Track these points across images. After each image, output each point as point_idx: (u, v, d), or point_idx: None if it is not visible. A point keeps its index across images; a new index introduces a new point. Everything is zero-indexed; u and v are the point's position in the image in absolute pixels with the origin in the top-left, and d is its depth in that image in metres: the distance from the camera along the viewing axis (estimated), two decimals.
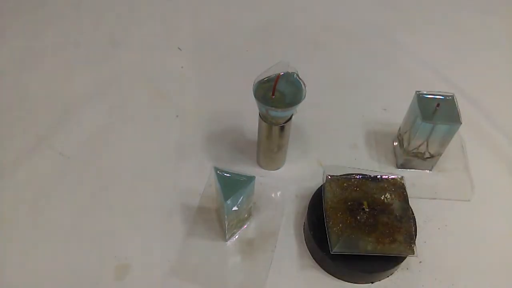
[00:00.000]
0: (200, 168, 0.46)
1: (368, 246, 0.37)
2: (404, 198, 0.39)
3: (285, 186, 0.45)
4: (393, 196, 0.39)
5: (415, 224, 0.39)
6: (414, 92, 0.43)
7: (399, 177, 0.41)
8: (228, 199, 0.36)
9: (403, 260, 0.38)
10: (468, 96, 0.53)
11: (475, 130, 0.49)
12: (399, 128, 0.47)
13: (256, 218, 0.43)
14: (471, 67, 0.57)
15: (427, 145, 0.43)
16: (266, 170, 0.46)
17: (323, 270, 0.40)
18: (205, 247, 0.41)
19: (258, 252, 0.40)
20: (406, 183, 0.41)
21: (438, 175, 0.46)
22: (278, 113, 0.38)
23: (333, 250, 0.36)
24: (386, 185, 0.40)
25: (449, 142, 0.43)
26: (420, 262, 0.40)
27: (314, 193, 0.41)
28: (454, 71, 0.56)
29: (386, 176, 0.41)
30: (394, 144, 0.48)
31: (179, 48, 0.59)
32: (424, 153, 0.44)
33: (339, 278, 0.39)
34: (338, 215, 0.38)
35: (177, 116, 0.51)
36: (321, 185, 0.41)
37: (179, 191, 0.44)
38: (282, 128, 0.41)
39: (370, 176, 0.41)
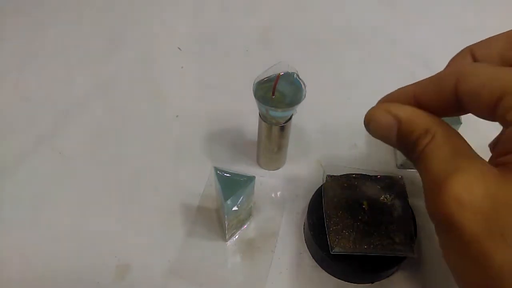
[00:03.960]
0: (200, 168, 0.46)
1: (368, 246, 0.37)
2: (404, 198, 0.39)
3: (285, 186, 0.45)
4: (393, 196, 0.39)
5: (415, 224, 0.39)
6: None
7: (399, 177, 0.41)
8: (228, 199, 0.36)
9: (403, 260, 0.37)
10: None
11: (475, 130, 0.49)
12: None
13: (256, 218, 0.43)
14: None
15: None
16: (266, 170, 0.46)
17: (323, 270, 0.40)
18: (205, 247, 0.41)
19: (258, 252, 0.40)
20: (406, 183, 0.41)
21: None
22: (278, 113, 0.38)
23: (333, 250, 0.36)
24: (386, 185, 0.40)
25: None
26: (420, 262, 0.40)
27: (314, 193, 0.41)
28: None
29: (386, 176, 0.41)
30: None
31: (179, 48, 0.59)
32: None
33: (339, 278, 0.39)
34: (338, 215, 0.38)
35: (177, 116, 0.51)
36: (321, 185, 0.41)
37: (179, 191, 0.44)
38: (282, 128, 0.41)
39: (370, 176, 0.41)
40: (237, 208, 0.37)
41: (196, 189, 0.44)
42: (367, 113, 0.30)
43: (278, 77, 0.38)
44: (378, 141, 0.49)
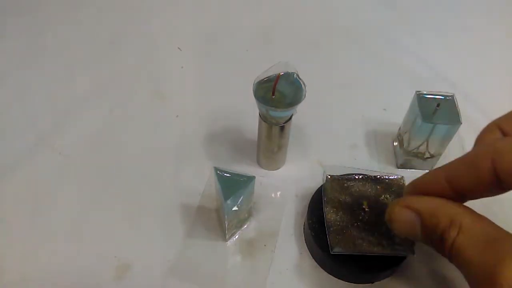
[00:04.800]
0: (200, 168, 0.46)
1: (368, 246, 0.37)
2: None
3: (285, 186, 0.45)
4: (393, 196, 0.39)
5: None
6: (414, 92, 0.43)
7: (399, 177, 0.41)
8: (228, 199, 0.36)
9: (403, 260, 0.37)
10: (468, 96, 0.53)
11: (475, 130, 0.49)
12: (399, 128, 0.47)
13: (256, 218, 0.43)
14: (471, 67, 0.57)
15: (427, 145, 0.43)
16: (266, 170, 0.46)
17: (323, 270, 0.40)
18: (205, 247, 0.41)
19: (258, 252, 0.40)
20: (406, 183, 0.41)
21: None
22: (278, 113, 0.38)
23: (333, 250, 0.36)
24: (386, 185, 0.40)
25: (449, 142, 0.43)
26: (420, 262, 0.40)
27: (314, 193, 0.41)
28: (454, 71, 0.56)
29: (386, 176, 0.41)
30: (394, 144, 0.48)
31: (179, 48, 0.59)
32: (424, 153, 0.44)
33: (339, 278, 0.39)
34: (338, 215, 0.38)
35: (177, 116, 0.51)
36: (321, 185, 0.41)
37: (179, 191, 0.44)
38: (282, 128, 0.41)
39: (370, 176, 0.41)
40: (237, 208, 0.37)
41: (196, 189, 0.44)
42: (387, 210, 0.29)
43: (278, 77, 0.38)
44: (378, 141, 0.50)
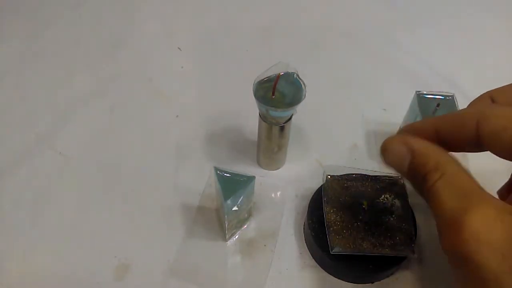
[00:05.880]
0: (200, 168, 0.46)
1: (368, 246, 0.37)
2: (404, 198, 0.39)
3: (285, 186, 0.45)
4: (393, 196, 0.39)
5: (415, 224, 0.39)
6: (414, 92, 0.43)
7: (399, 177, 0.41)
8: (228, 199, 0.36)
9: (403, 260, 0.37)
10: (468, 96, 0.53)
11: None
12: (399, 128, 0.47)
13: (256, 218, 0.43)
14: (471, 67, 0.57)
15: None
16: (266, 170, 0.46)
17: (323, 270, 0.40)
18: (205, 247, 0.41)
19: (258, 252, 0.40)
20: (406, 183, 0.41)
21: None
22: (278, 113, 0.38)
23: (333, 250, 0.36)
24: (386, 185, 0.40)
25: None
26: (420, 262, 0.40)
27: (314, 193, 0.41)
28: (454, 71, 0.56)
29: (386, 176, 0.41)
30: None
31: (179, 48, 0.59)
32: None
33: (339, 278, 0.39)
34: (338, 215, 0.38)
35: (177, 116, 0.51)
36: (321, 185, 0.41)
37: (179, 191, 0.44)
38: (282, 128, 0.41)
39: (370, 176, 0.41)
40: (237, 208, 0.37)
41: (196, 189, 0.44)
42: (384, 141, 0.32)
43: (278, 77, 0.38)
44: (378, 141, 0.50)
